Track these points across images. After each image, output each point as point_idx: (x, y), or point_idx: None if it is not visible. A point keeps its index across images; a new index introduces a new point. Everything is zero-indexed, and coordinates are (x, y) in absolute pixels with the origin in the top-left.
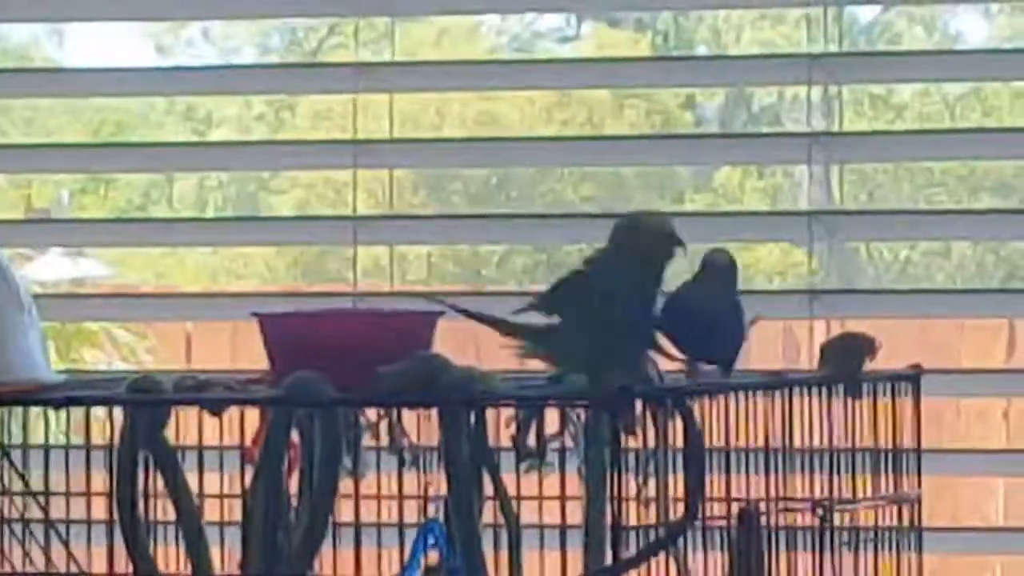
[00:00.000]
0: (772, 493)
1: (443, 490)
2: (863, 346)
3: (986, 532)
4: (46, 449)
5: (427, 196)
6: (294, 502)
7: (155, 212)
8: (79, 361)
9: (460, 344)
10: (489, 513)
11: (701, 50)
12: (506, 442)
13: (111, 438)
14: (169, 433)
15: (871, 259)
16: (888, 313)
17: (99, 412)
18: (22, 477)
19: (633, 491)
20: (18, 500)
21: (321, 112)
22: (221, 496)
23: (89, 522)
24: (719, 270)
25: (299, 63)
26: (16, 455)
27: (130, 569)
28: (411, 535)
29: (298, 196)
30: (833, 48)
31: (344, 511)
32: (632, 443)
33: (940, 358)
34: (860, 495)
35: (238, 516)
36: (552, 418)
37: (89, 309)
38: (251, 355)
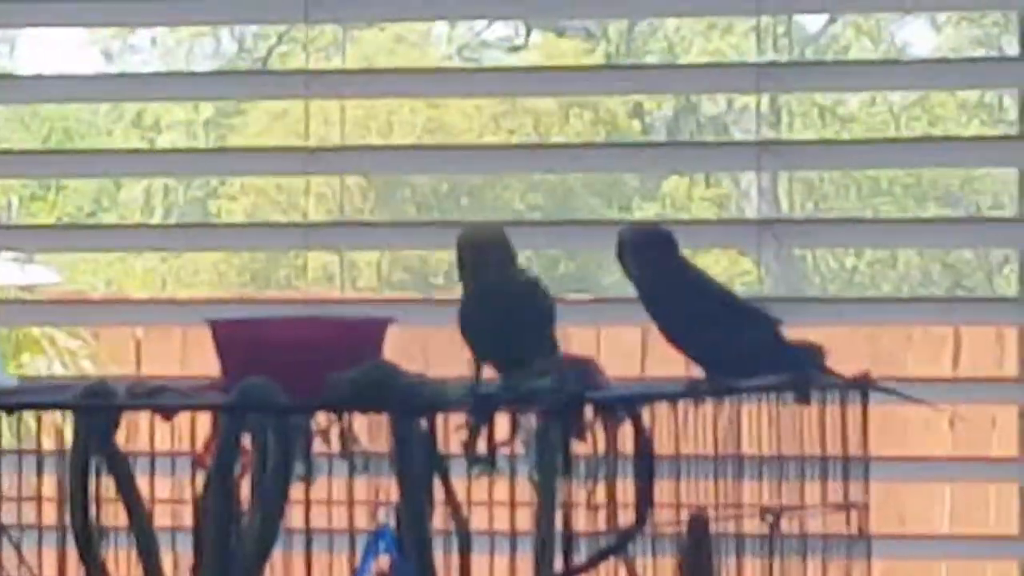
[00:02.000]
0: (721, 500)
1: (394, 496)
2: (812, 354)
3: (932, 539)
4: None
5: (376, 203)
6: (245, 507)
7: (105, 219)
8: (21, 367)
9: (410, 351)
10: (440, 519)
11: (651, 60)
12: (457, 448)
13: (63, 443)
14: (121, 439)
15: (817, 268)
16: (836, 321)
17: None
18: None
19: (583, 497)
20: None
21: (273, 118)
22: (173, 502)
23: (40, 527)
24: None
25: (250, 70)
26: None
27: (82, 574)
28: (362, 541)
29: (248, 203)
30: (782, 58)
31: (295, 517)
32: (583, 449)
33: (887, 366)
34: (808, 502)
35: (190, 522)
36: (503, 424)
37: (39, 315)
38: (201, 362)
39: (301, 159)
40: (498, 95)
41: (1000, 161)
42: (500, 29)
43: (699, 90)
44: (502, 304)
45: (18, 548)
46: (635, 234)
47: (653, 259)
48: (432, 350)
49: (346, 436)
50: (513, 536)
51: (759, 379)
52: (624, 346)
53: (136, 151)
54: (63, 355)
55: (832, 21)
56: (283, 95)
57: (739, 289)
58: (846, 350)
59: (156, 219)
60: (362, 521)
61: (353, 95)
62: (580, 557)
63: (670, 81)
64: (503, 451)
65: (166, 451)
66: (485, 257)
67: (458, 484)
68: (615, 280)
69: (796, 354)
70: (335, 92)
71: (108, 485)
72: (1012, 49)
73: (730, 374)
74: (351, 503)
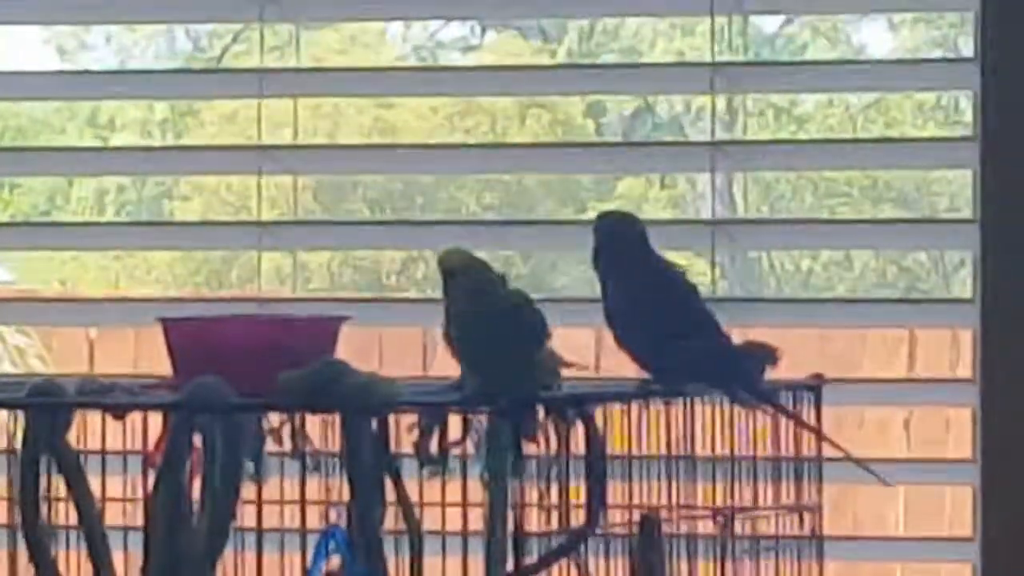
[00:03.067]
0: (673, 501)
1: (345, 496)
2: (765, 355)
3: (887, 541)
4: None
5: (328, 203)
6: (196, 507)
7: (59, 218)
8: None
9: (363, 350)
10: (391, 519)
11: (608, 60)
12: (408, 448)
13: (12, 442)
14: (72, 437)
15: (772, 269)
16: (791, 322)
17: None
18: None
19: (535, 498)
20: None
21: (226, 117)
22: (124, 500)
23: None
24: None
25: (204, 69)
26: None
27: (32, 573)
28: (313, 540)
29: (201, 203)
30: (738, 58)
31: (246, 516)
32: (534, 450)
33: (841, 368)
34: (761, 503)
35: (140, 521)
36: (455, 425)
37: None
38: (154, 361)
39: (255, 157)
40: (454, 95)
41: (956, 163)
42: (456, 29)
43: (655, 91)
44: (500, 323)
45: None
46: (612, 224)
47: (627, 252)
48: (386, 349)
49: (297, 435)
50: (465, 536)
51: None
52: (577, 348)
53: (90, 149)
54: (11, 353)
55: (789, 22)
56: (238, 94)
57: None
58: (800, 352)
59: (109, 217)
60: (313, 521)
61: (307, 94)
62: (532, 558)
63: (626, 81)
64: (455, 452)
65: (117, 450)
66: (480, 275)
67: (410, 484)
68: (568, 281)
69: (742, 360)
70: (289, 91)
71: (59, 484)
72: (968, 50)
73: (673, 379)
74: (303, 503)
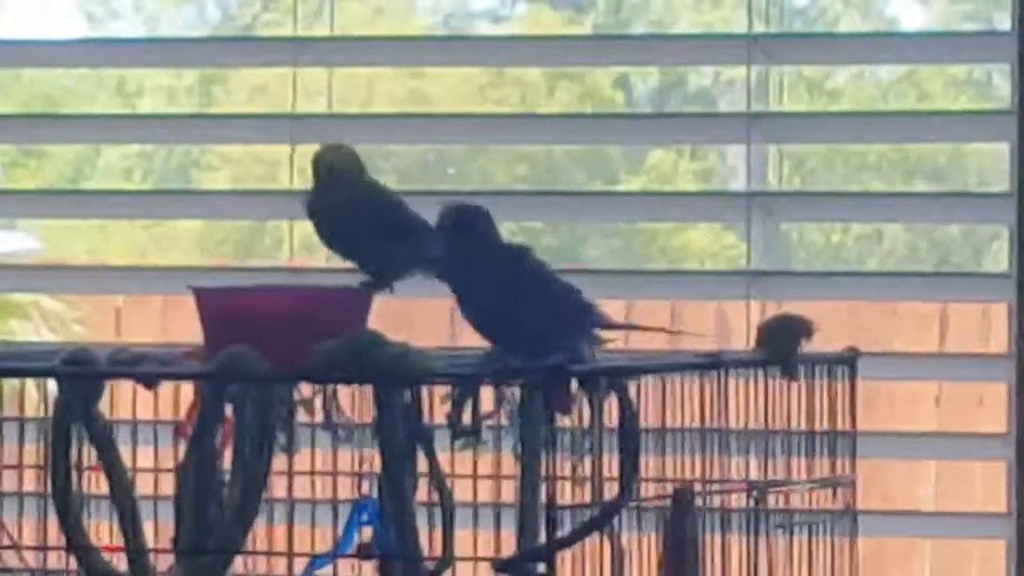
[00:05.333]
0: (707, 475)
1: (377, 467)
2: (800, 328)
3: (918, 516)
4: None
5: None
6: (227, 477)
7: (86, 186)
8: (7, 333)
9: (395, 321)
10: (423, 490)
11: (635, 32)
12: (441, 419)
13: (45, 410)
14: (103, 406)
15: (802, 242)
16: (825, 296)
17: (32, 384)
18: None
19: (568, 470)
20: None
21: (256, 86)
22: (155, 470)
23: (21, 494)
24: None
25: (238, 36)
26: None
27: (62, 542)
28: (345, 511)
29: (228, 173)
30: (773, 29)
31: (278, 487)
32: (567, 422)
33: (871, 342)
34: (795, 477)
35: (171, 490)
36: (487, 396)
37: (20, 281)
38: (181, 329)
39: (288, 126)
40: (486, 65)
41: (993, 136)
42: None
43: (689, 62)
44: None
45: None
46: (450, 211)
47: (463, 236)
48: (416, 320)
49: (329, 406)
50: (497, 509)
51: (748, 354)
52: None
53: (120, 116)
54: (50, 321)
55: None
56: (271, 62)
57: (724, 263)
58: (830, 325)
59: (137, 185)
60: (345, 492)
61: (340, 64)
62: (564, 531)
63: (660, 53)
64: (487, 423)
65: (148, 419)
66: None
67: (442, 456)
68: (599, 253)
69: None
70: (324, 60)
71: (89, 453)
72: (1004, 24)
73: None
74: (334, 474)
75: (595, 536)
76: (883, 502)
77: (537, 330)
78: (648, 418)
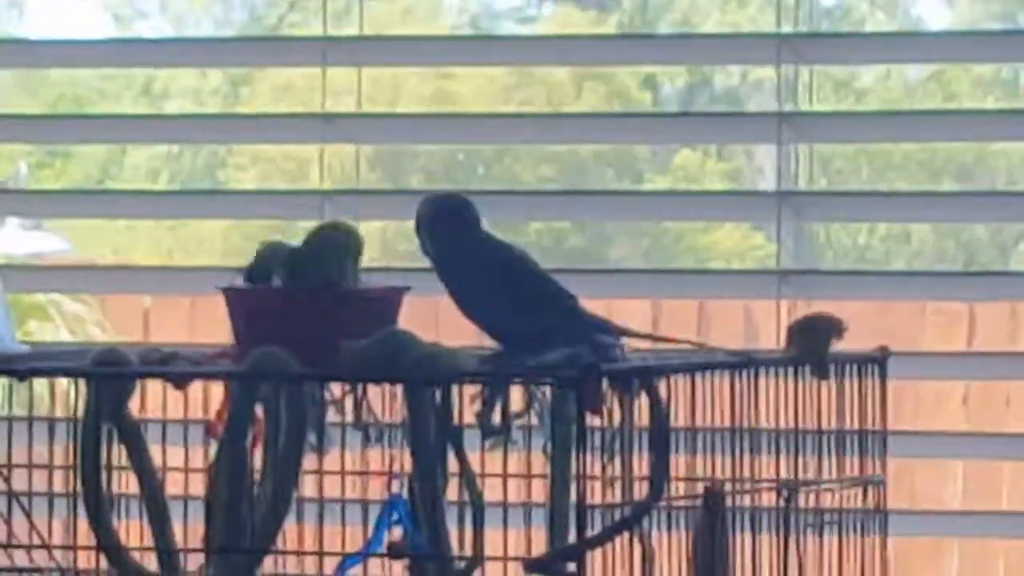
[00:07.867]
0: (737, 474)
1: (408, 466)
2: (830, 327)
3: (946, 515)
4: (9, 420)
5: (386, 173)
6: (258, 477)
7: (113, 187)
8: (27, 334)
9: (425, 320)
10: (453, 490)
11: (661, 32)
12: (471, 419)
13: (75, 410)
14: (133, 406)
15: (829, 243)
16: (855, 295)
17: (63, 384)
18: None
19: (598, 470)
20: None
21: (281, 87)
22: (185, 470)
23: (51, 495)
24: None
25: (265, 36)
26: None
27: (92, 541)
28: (375, 511)
29: (257, 172)
30: (802, 29)
31: (308, 487)
32: (597, 422)
33: (898, 341)
34: (825, 477)
35: (201, 490)
36: (517, 395)
37: (47, 282)
38: (209, 330)
39: (318, 126)
40: (511, 65)
41: (1016, 135)
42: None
43: (718, 61)
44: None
45: (28, 515)
46: (433, 204)
47: (451, 231)
48: (444, 320)
49: (360, 406)
50: (527, 509)
51: (779, 354)
52: (634, 319)
53: (147, 117)
54: (69, 322)
55: None
56: (301, 62)
57: (751, 263)
58: (859, 325)
59: (163, 185)
60: (375, 492)
61: (368, 63)
62: (594, 530)
63: (689, 53)
64: (517, 423)
65: (178, 419)
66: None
67: (472, 455)
68: (625, 252)
69: (594, 328)
70: (354, 60)
71: (119, 453)
72: None
73: (524, 349)
74: (365, 474)
75: (625, 536)
76: (910, 502)
77: (542, 328)
78: (679, 418)
